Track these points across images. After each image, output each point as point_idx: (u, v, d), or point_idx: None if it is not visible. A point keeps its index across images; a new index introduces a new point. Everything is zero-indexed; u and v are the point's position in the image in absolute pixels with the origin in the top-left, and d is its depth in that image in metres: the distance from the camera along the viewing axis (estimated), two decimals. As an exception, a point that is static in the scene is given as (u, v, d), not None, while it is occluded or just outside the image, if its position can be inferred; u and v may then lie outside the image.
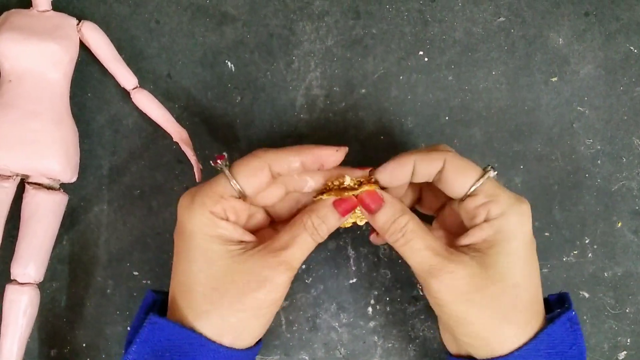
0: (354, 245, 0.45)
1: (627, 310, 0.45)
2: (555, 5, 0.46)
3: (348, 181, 0.37)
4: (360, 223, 0.38)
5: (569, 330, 0.35)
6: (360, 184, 0.37)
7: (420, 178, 0.36)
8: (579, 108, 0.46)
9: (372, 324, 0.45)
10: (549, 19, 0.46)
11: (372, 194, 0.36)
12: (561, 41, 0.46)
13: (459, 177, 0.35)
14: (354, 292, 0.45)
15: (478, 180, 0.35)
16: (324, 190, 0.37)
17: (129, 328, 0.41)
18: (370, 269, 0.45)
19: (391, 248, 0.45)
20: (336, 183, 0.37)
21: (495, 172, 0.35)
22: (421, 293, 0.45)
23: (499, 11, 0.46)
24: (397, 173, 0.36)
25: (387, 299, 0.45)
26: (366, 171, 0.37)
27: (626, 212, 0.45)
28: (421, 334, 0.45)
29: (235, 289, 0.34)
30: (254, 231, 0.38)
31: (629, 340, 0.45)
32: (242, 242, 0.36)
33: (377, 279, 0.45)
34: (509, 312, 0.34)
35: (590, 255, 0.45)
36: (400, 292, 0.45)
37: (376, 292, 0.45)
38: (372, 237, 0.40)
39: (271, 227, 0.39)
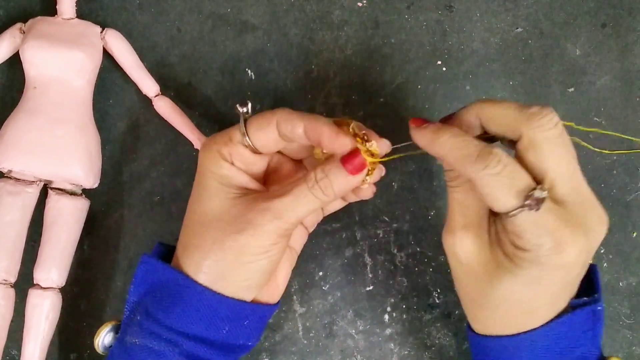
0: (371, 253, 0.46)
1: (642, 320, 0.46)
2: (573, 16, 0.46)
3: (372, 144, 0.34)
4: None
5: (590, 319, 0.34)
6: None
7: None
8: (595, 119, 0.46)
9: (388, 331, 0.45)
10: (566, 30, 0.46)
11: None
12: (578, 52, 0.46)
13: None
14: (371, 299, 0.45)
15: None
16: None
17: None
18: (387, 277, 0.45)
19: (408, 256, 0.45)
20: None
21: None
22: (437, 301, 0.45)
23: (516, 22, 0.46)
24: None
25: (404, 306, 0.45)
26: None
27: (641, 223, 0.46)
28: (437, 341, 0.45)
29: (218, 227, 0.34)
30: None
31: (643, 350, 0.45)
32: (245, 188, 0.35)
33: (393, 287, 0.45)
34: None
35: (605, 264, 0.46)
36: (417, 300, 0.45)
37: (392, 300, 0.45)
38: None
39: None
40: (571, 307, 0.34)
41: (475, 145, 0.31)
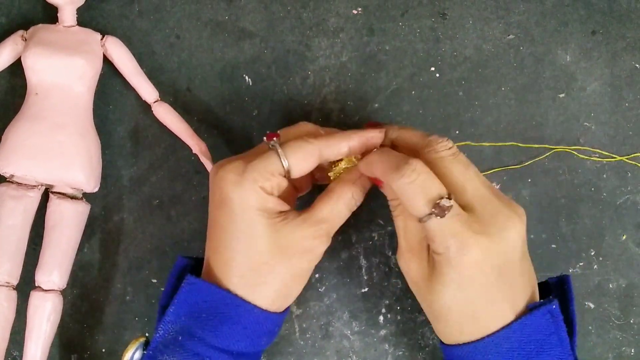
0: (366, 255, 0.46)
1: (631, 321, 0.46)
2: (563, 24, 0.47)
3: None
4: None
5: (549, 321, 0.35)
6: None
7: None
8: (585, 124, 0.47)
9: (383, 332, 0.46)
10: (557, 37, 0.47)
11: None
12: (569, 59, 0.47)
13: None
14: (366, 301, 0.46)
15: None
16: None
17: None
18: (382, 279, 0.46)
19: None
20: None
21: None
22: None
23: (508, 29, 0.47)
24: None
25: (398, 307, 0.46)
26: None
27: (631, 225, 0.47)
28: (431, 342, 0.46)
29: (283, 260, 0.36)
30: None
31: (633, 351, 0.46)
32: (281, 212, 0.37)
33: (388, 289, 0.46)
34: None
35: (595, 267, 0.47)
36: (411, 302, 0.46)
37: (387, 301, 0.46)
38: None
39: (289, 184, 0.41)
40: (528, 309, 0.36)
41: (396, 156, 0.36)
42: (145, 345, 0.37)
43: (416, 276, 0.37)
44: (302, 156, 0.36)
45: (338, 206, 0.37)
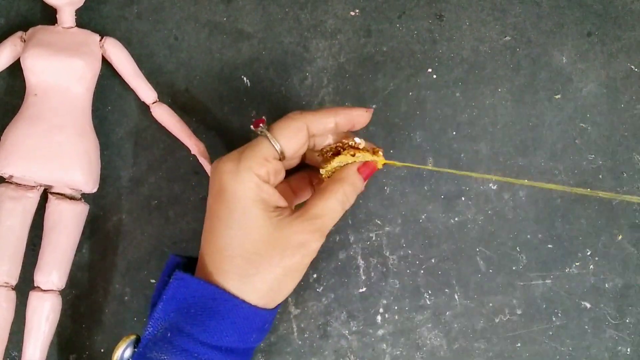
0: (364, 256, 0.47)
1: (627, 321, 0.47)
2: (559, 25, 0.48)
3: (360, 142, 0.39)
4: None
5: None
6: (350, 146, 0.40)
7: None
8: (581, 125, 0.47)
9: (381, 332, 0.46)
10: (553, 39, 0.48)
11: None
12: (564, 60, 0.48)
13: None
14: (364, 300, 0.47)
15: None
16: (326, 149, 0.40)
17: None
18: (380, 279, 0.47)
19: (400, 259, 0.46)
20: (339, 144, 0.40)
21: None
22: (428, 302, 0.46)
23: (505, 30, 0.48)
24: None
25: (396, 307, 0.46)
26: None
27: (626, 226, 0.47)
28: (428, 342, 0.46)
29: (276, 253, 0.36)
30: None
31: (629, 350, 0.47)
32: (278, 207, 0.37)
33: (386, 289, 0.47)
34: None
35: (591, 267, 0.47)
36: (409, 301, 0.46)
37: (385, 301, 0.47)
38: None
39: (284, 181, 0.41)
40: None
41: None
42: (136, 343, 0.37)
43: None
44: (291, 133, 0.37)
45: (330, 203, 0.37)
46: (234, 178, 0.36)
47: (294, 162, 0.41)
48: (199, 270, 0.38)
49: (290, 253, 0.36)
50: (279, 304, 0.39)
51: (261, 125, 0.37)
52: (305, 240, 0.37)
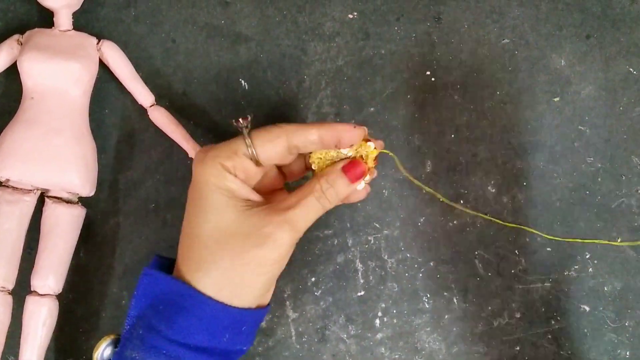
0: (362, 259, 0.47)
1: (626, 324, 0.47)
2: (558, 28, 0.48)
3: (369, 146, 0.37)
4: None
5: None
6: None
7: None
8: (580, 127, 0.47)
9: (379, 335, 0.46)
10: (552, 42, 0.48)
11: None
12: (563, 63, 0.48)
13: None
14: (362, 304, 0.46)
15: None
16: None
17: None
18: (378, 282, 0.46)
19: (398, 262, 0.46)
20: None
21: None
22: (427, 306, 0.46)
23: (503, 33, 0.47)
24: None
25: (394, 311, 0.46)
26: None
27: (625, 229, 0.47)
28: (427, 345, 0.46)
29: (237, 243, 0.35)
30: (267, 192, 0.39)
31: (628, 353, 0.47)
32: (248, 200, 0.36)
33: (384, 292, 0.46)
34: None
35: (590, 270, 0.47)
36: (407, 305, 0.46)
37: (383, 305, 0.46)
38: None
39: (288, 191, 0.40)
40: None
41: None
42: (117, 343, 0.37)
43: None
44: (267, 137, 0.36)
45: (303, 195, 0.36)
46: (200, 165, 0.36)
47: (272, 173, 0.39)
48: (176, 266, 0.37)
49: (252, 243, 0.35)
50: (265, 307, 0.38)
51: (241, 121, 0.36)
52: (271, 231, 0.35)
